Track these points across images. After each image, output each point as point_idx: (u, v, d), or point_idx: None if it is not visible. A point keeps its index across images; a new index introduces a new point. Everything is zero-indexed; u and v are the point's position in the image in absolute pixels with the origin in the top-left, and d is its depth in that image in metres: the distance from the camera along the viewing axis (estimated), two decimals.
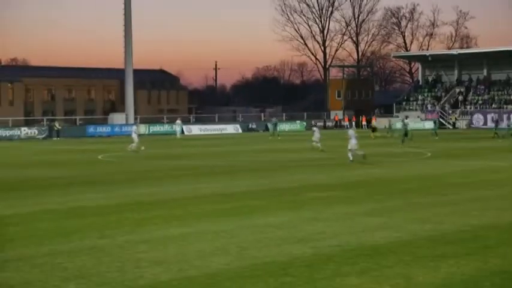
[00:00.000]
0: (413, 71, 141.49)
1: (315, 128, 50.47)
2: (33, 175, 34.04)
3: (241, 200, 24.37)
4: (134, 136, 53.01)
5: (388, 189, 27.16)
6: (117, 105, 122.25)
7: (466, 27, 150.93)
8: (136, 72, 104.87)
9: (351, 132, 40.26)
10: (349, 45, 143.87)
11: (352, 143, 38.90)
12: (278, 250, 15.79)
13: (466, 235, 17.54)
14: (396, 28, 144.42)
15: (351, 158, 38.72)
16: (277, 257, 15.11)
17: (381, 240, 16.95)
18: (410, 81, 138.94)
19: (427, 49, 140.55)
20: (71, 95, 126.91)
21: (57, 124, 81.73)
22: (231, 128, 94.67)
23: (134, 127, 58.11)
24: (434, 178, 30.86)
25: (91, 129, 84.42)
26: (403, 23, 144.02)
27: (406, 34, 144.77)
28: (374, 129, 69.21)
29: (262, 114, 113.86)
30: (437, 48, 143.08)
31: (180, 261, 14.72)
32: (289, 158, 43.51)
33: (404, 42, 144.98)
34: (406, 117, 76.82)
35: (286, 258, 15.00)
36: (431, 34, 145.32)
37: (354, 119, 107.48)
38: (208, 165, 39.17)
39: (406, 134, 56.77)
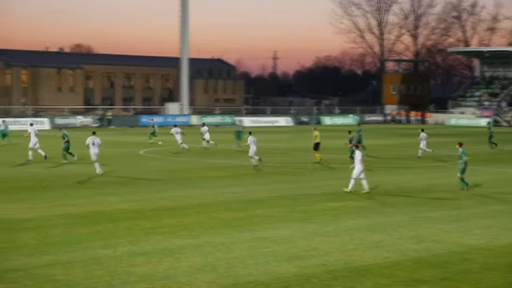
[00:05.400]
0: (474, 65, 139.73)
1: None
2: (68, 172, 35.35)
3: (257, 209, 25.20)
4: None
5: (402, 200, 27.63)
6: (175, 94, 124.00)
7: None
8: (195, 61, 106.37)
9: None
10: (407, 38, 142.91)
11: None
12: (264, 268, 16.60)
13: (454, 257, 18.08)
14: (456, 22, 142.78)
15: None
16: (260, 276, 15.94)
17: (369, 260, 17.61)
18: (471, 76, 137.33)
19: (488, 43, 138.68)
20: (130, 83, 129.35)
21: (109, 113, 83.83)
22: (283, 121, 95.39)
23: None
24: (455, 189, 30.83)
25: (144, 119, 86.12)
26: (464, 16, 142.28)
27: (466, 28, 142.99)
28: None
29: (315, 108, 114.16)
30: (499, 42, 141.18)
31: (167, 277, 15.69)
32: (323, 158, 43.73)
33: (465, 36, 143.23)
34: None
35: (267, 278, 15.83)
36: (493, 29, 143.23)
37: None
38: (241, 166, 39.83)
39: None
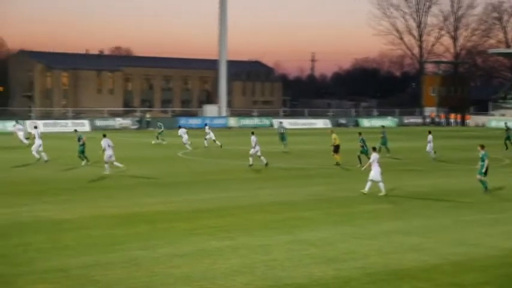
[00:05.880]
0: None
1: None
2: (108, 174, 35.56)
3: (294, 211, 25.18)
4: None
5: (441, 203, 27.37)
6: (213, 96, 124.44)
7: None
8: (233, 63, 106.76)
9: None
10: (446, 40, 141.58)
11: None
12: (302, 271, 16.57)
13: (494, 261, 17.86)
14: (497, 23, 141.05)
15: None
16: (298, 278, 15.92)
17: (407, 263, 17.48)
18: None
19: None
20: (168, 85, 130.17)
21: (147, 115, 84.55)
22: (321, 123, 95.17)
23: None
24: (497, 192, 30.52)
25: (182, 121, 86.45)
26: (505, 17, 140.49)
27: (507, 29, 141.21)
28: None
29: (353, 110, 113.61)
30: None
31: (205, 278, 15.74)
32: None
33: (506, 37, 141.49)
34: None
35: (306, 280, 15.79)
36: None
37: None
38: (278, 168, 39.88)
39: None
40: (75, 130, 41.35)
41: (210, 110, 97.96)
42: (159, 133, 58.18)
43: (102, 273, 15.97)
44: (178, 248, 18.68)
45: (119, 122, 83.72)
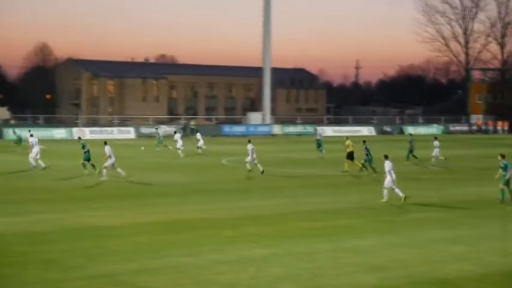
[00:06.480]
0: None
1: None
2: (153, 181, 35.99)
3: (339, 219, 25.12)
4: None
5: (488, 212, 27.08)
6: (257, 103, 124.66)
7: None
8: (277, 70, 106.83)
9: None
10: (493, 46, 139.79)
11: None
12: (346, 279, 16.57)
13: None
14: None
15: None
16: (342, 286, 15.97)
17: (453, 273, 17.35)
18: None
19: None
20: (213, 93, 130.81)
21: (192, 123, 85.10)
22: (365, 131, 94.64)
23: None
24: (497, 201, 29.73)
25: (226, 128, 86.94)
26: None
27: None
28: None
29: (397, 117, 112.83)
30: None
31: (250, 286, 15.85)
32: (402, 169, 42.94)
33: None
34: None
35: None
36: None
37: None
38: (321, 175, 39.93)
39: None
40: (79, 138, 41.37)
41: (254, 117, 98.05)
42: (160, 141, 58.26)
43: (148, 280, 16.16)
44: (223, 255, 18.79)
45: (163, 129, 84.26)
